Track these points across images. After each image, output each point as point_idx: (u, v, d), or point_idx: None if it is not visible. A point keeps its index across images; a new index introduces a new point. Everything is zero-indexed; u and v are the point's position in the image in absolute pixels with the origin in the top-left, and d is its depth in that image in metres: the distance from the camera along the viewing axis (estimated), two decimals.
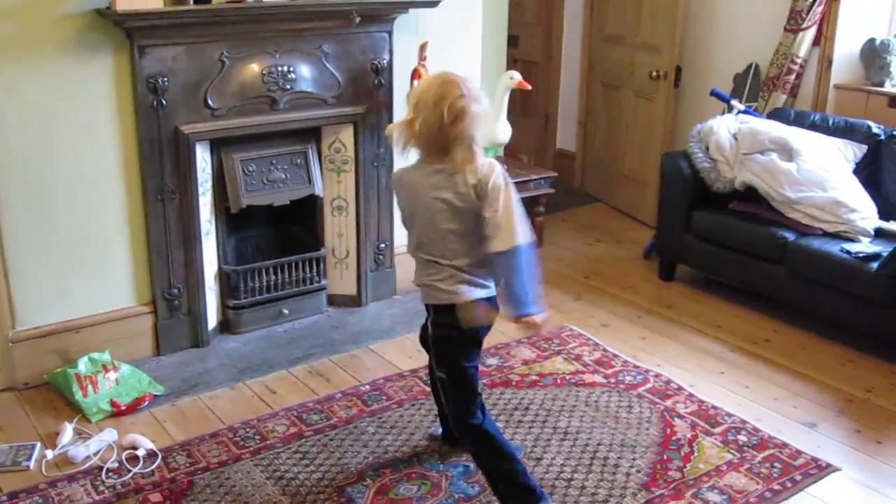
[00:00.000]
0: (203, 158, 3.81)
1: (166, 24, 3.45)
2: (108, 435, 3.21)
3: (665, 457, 3.17)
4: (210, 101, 3.69)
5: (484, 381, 3.67)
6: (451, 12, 4.30)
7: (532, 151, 6.71)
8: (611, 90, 6.10)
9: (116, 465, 3.06)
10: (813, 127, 4.59)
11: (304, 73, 3.90)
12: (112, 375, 3.55)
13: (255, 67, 3.76)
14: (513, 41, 6.17)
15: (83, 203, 3.55)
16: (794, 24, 4.85)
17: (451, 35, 4.37)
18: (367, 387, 3.65)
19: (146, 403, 3.46)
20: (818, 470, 3.12)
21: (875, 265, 3.80)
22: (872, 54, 4.73)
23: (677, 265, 4.87)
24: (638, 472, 3.08)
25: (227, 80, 3.71)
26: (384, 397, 3.56)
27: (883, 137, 4.39)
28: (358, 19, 3.85)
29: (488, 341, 4.04)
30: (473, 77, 4.36)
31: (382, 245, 4.41)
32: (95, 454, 3.11)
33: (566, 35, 6.55)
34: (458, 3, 4.34)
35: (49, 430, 3.28)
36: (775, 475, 3.08)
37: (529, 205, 5.07)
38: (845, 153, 4.40)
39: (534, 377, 3.74)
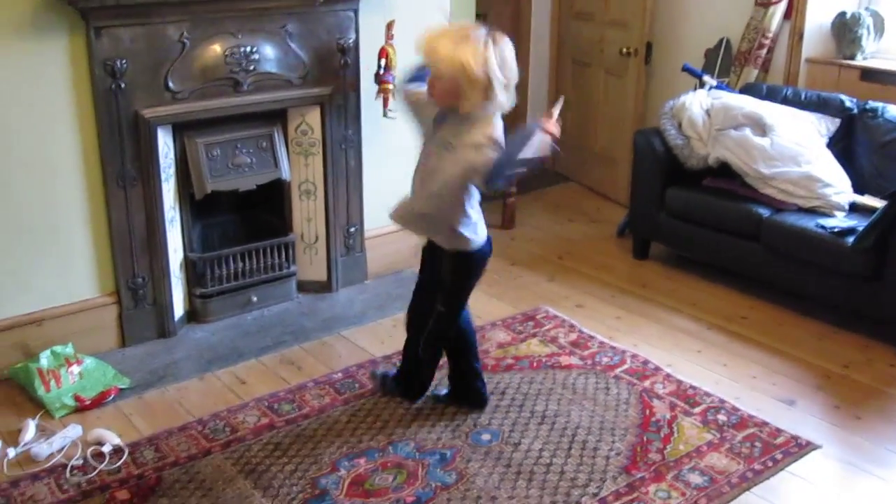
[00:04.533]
0: (165, 143, 3.69)
1: (124, 4, 3.33)
2: (73, 431, 3.11)
3: (645, 439, 3.12)
4: (171, 84, 3.57)
5: None
6: None
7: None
8: (581, 67, 6.03)
9: (81, 461, 2.97)
10: (785, 101, 4.55)
11: (268, 54, 3.80)
12: (76, 369, 3.44)
13: (216, 48, 3.65)
14: (481, 19, 6.08)
15: (41, 191, 3.43)
16: None
17: (418, 13, 4.26)
18: (340, 374, 3.57)
19: (111, 397, 3.36)
20: (798, 448, 3.09)
21: (850, 240, 3.77)
22: (843, 28, 4.70)
23: (651, 243, 4.83)
24: (618, 454, 3.03)
25: (189, 61, 3.60)
26: (357, 385, 3.48)
27: (856, 111, 4.36)
28: None
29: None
30: None
31: (352, 229, 4.32)
32: (59, 451, 3.01)
33: (535, 12, 6.46)
34: None
35: (11, 428, 3.17)
36: (756, 454, 3.04)
37: None
38: (818, 127, 4.37)
39: (510, 360, 3.68)
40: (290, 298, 4.22)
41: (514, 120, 2.91)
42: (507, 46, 2.72)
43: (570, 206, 5.76)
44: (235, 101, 3.77)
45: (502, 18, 6.62)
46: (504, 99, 2.74)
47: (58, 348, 3.47)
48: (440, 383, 3.39)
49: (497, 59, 2.68)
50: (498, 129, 2.79)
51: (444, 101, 2.79)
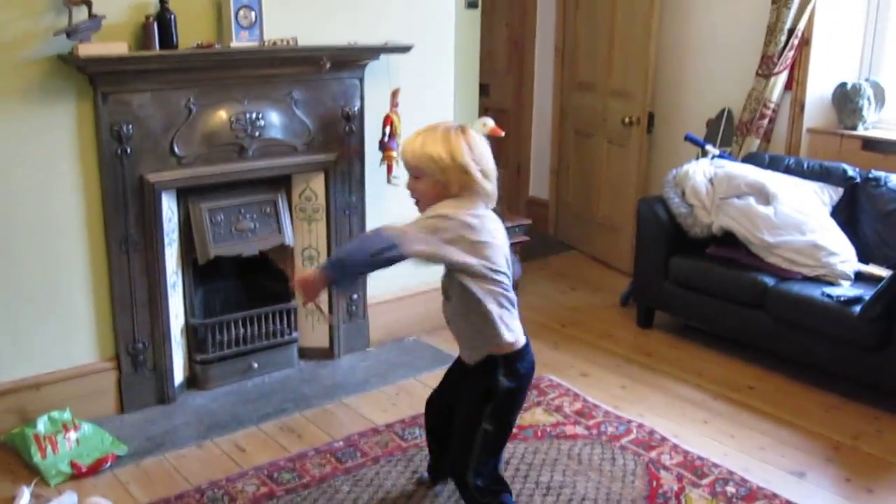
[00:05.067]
0: (169, 208, 3.69)
1: (131, 70, 3.37)
2: (68, 499, 3.04)
3: None
4: (176, 149, 3.59)
5: None
6: (423, 59, 4.25)
7: (505, 200, 6.64)
8: (583, 137, 6.07)
9: None
10: (788, 171, 4.56)
11: (274, 120, 3.82)
12: (73, 435, 3.39)
13: (222, 114, 3.67)
14: (484, 90, 6.14)
15: (43, 254, 3.42)
16: (765, 69, 4.85)
17: (423, 81, 4.31)
18: (341, 443, 3.51)
19: (108, 464, 3.30)
20: None
21: (857, 309, 3.74)
22: (844, 98, 4.74)
23: (655, 312, 4.80)
24: None
25: (194, 127, 3.62)
26: (359, 454, 3.42)
27: (859, 180, 4.37)
28: (328, 65, 3.79)
29: None
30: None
31: (355, 296, 4.29)
32: None
33: (537, 83, 6.55)
34: (429, 50, 4.30)
35: (5, 495, 3.10)
36: None
37: None
38: (822, 196, 4.38)
39: (514, 430, 3.61)
40: (291, 365, 4.17)
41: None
42: (476, 136, 2.64)
43: (572, 274, 5.74)
44: (240, 166, 3.78)
45: (505, 89, 6.71)
46: (489, 187, 2.63)
47: (55, 414, 3.42)
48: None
49: (465, 145, 2.59)
50: (466, 212, 2.60)
51: (429, 204, 2.64)
